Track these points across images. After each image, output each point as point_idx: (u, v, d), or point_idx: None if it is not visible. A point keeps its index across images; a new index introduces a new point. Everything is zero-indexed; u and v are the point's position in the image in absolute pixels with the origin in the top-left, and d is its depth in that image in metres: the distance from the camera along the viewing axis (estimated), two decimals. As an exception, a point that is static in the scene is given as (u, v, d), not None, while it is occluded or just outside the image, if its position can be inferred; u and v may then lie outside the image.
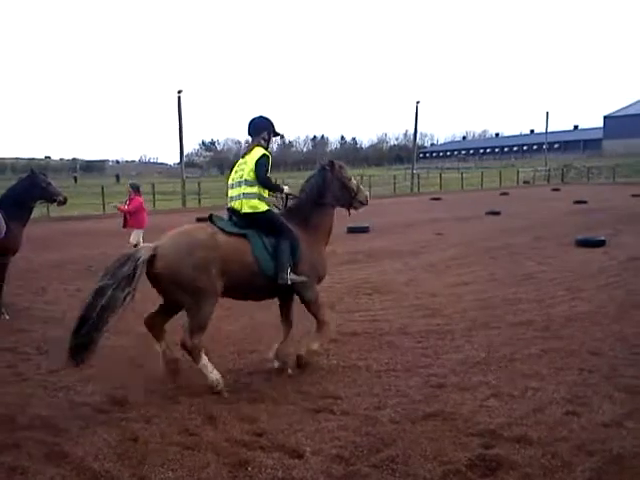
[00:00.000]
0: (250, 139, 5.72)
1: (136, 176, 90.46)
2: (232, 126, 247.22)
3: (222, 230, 5.27)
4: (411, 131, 53.95)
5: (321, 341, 5.74)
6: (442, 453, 3.88)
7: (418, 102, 46.99)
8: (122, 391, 5.16)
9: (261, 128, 5.68)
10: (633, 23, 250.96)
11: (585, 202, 25.61)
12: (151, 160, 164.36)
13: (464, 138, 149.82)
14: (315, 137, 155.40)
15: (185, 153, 41.98)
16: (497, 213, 21.81)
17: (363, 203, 6.12)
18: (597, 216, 19.94)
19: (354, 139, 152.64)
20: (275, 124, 5.75)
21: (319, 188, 5.85)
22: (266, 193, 5.56)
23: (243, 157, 5.64)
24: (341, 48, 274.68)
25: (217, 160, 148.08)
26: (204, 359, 5.10)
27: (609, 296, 8.38)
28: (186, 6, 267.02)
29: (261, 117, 5.76)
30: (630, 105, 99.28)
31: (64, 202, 9.37)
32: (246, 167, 5.51)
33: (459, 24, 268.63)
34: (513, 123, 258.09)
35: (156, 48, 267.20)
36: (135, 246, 12.44)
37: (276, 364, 5.69)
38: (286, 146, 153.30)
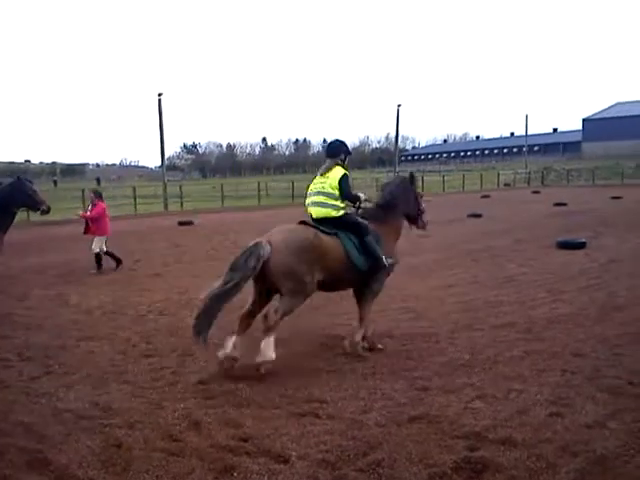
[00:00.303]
0: (327, 160, 6.39)
1: (117, 179, 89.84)
2: (213, 129, 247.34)
3: (319, 230, 5.97)
4: (393, 134, 54.34)
5: (362, 333, 6.30)
6: (428, 456, 3.88)
7: (399, 105, 47.41)
8: (105, 397, 5.12)
9: (339, 151, 6.41)
10: (611, 27, 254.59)
11: (565, 204, 25.87)
12: (132, 163, 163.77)
13: (445, 141, 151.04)
14: (297, 140, 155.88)
15: (166, 156, 41.90)
16: (479, 215, 21.95)
17: (425, 224, 7.14)
18: (577, 218, 20.15)
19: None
20: (348, 146, 6.59)
21: (397, 195, 6.79)
22: (344, 204, 6.29)
23: (323, 175, 6.31)
24: (323, 51, 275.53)
25: (199, 163, 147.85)
26: (272, 338, 5.56)
27: (590, 298, 8.46)
28: (167, 9, 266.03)
29: (338, 141, 6.54)
30: (608, 108, 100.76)
31: (47, 211, 9.29)
32: (327, 182, 6.24)
33: (440, 28, 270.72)
34: (493, 126, 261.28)
35: (136, 50, 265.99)
36: (98, 254, 12.31)
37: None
38: (268, 149, 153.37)
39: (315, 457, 3.93)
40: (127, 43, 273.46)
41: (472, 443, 4.05)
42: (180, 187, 36.92)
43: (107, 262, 12.45)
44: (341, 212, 6.21)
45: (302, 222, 6.17)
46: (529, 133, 70.69)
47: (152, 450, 4.08)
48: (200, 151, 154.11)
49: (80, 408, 4.87)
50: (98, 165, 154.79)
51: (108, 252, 12.47)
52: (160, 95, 34.48)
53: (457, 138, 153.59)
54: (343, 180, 6.19)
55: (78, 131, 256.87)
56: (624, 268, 10.70)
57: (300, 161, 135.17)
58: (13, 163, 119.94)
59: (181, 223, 23.32)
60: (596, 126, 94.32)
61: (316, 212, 6.23)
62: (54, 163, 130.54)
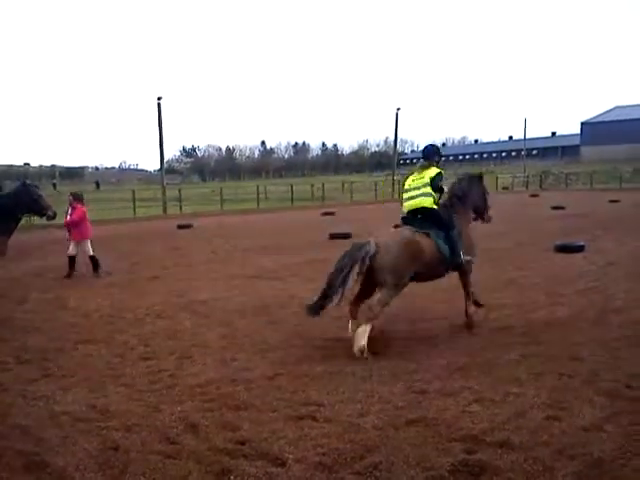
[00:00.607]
0: (424, 161, 7.39)
1: (116, 183, 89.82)
2: (213, 132, 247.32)
3: (416, 230, 6.78)
4: (392, 138, 54.48)
5: (471, 305, 7.35)
6: (425, 459, 3.87)
7: (398, 109, 47.59)
8: (103, 400, 5.12)
9: (434, 154, 7.43)
10: (610, 31, 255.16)
11: (563, 208, 25.89)
12: (131, 166, 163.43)
13: (444, 144, 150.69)
14: (296, 144, 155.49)
15: (165, 159, 41.84)
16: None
17: (490, 218, 7.98)
18: (576, 222, 20.16)
19: (335, 146, 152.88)
20: (441, 150, 7.79)
21: (469, 190, 7.65)
22: (437, 198, 7.14)
23: (420, 172, 7.27)
24: (322, 55, 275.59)
25: (198, 166, 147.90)
26: (369, 327, 6.23)
27: (589, 301, 8.46)
28: (166, 13, 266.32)
29: (433, 145, 7.60)
30: (607, 111, 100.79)
31: (53, 217, 9.24)
32: (423, 179, 7.14)
33: (439, 32, 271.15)
34: (492, 130, 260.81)
35: (136, 54, 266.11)
36: (93, 257, 12.16)
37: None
38: (267, 152, 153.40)
39: (312, 460, 3.92)
40: (127, 47, 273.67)
41: (469, 446, 4.04)
42: (179, 190, 37.03)
43: (87, 267, 12.45)
44: (434, 205, 7.05)
45: (396, 226, 7.17)
46: (527, 137, 71.06)
47: (149, 453, 4.08)
48: (199, 154, 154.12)
49: (77, 411, 4.87)
50: (97, 168, 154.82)
51: (90, 257, 12.25)
52: (159, 99, 34.53)
53: (456, 142, 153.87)
54: (437, 176, 7.12)
55: (77, 134, 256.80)
56: (622, 271, 10.70)
57: (299, 164, 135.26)
58: (12, 166, 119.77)
59: (180, 226, 23.34)
60: (595, 130, 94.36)
61: (409, 205, 7.17)
62: (53, 166, 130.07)
